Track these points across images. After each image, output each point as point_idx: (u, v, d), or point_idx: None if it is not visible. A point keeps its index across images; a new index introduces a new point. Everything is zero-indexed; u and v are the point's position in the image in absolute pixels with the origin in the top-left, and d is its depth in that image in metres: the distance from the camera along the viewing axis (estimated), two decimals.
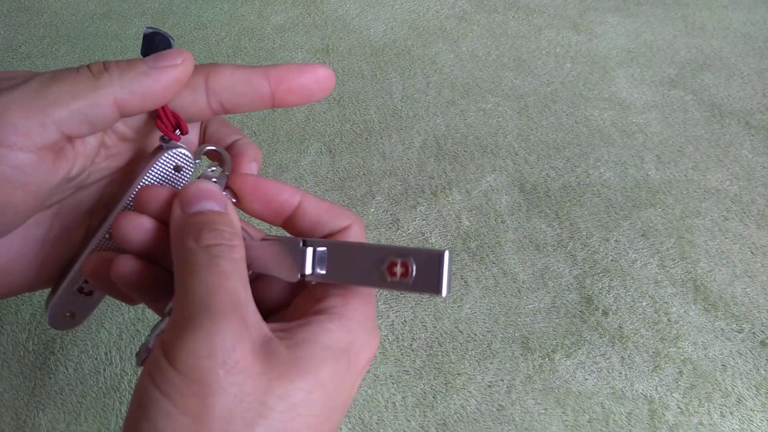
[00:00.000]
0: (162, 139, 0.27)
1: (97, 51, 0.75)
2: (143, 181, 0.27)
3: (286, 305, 0.27)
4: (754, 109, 0.68)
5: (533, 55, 0.75)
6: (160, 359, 0.20)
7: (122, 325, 0.47)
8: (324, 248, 0.24)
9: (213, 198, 0.25)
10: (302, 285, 0.27)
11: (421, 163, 0.61)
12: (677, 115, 0.67)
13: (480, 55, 0.75)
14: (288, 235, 0.28)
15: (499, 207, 0.56)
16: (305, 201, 0.27)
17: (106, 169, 0.28)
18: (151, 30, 0.26)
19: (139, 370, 0.44)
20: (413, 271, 0.22)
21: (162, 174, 0.27)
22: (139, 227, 0.25)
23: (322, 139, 0.63)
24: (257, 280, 0.28)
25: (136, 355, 0.24)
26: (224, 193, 0.26)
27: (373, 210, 0.56)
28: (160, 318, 0.25)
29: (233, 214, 0.25)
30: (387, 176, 0.59)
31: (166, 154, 0.27)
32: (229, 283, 0.22)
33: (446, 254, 0.21)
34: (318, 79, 0.27)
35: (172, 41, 0.26)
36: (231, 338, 0.20)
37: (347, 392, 0.23)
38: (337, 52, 0.76)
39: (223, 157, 0.29)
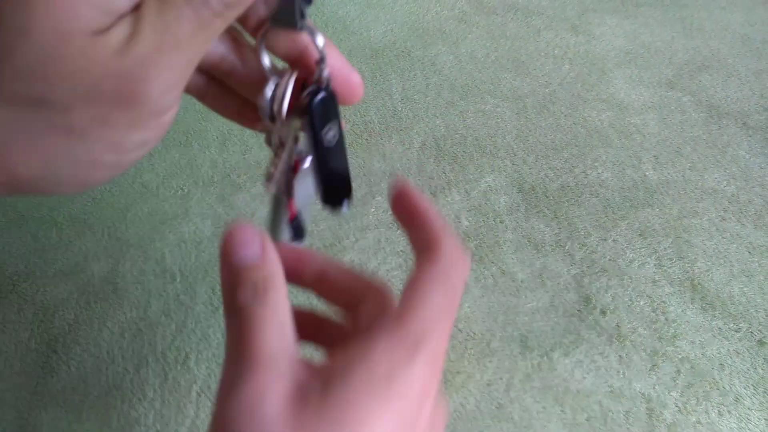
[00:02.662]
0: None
1: None
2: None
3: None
4: (751, 110, 0.68)
5: (532, 57, 0.75)
6: (214, 416, 0.20)
7: (124, 324, 0.47)
8: None
9: (249, 244, 0.23)
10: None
11: (420, 163, 0.61)
12: (675, 115, 0.67)
13: (479, 57, 0.75)
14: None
15: (498, 207, 0.57)
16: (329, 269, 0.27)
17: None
18: None
19: (140, 370, 0.44)
20: None
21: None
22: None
23: None
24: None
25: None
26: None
27: (373, 210, 0.56)
28: None
29: (270, 257, 0.23)
30: (387, 177, 0.60)
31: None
32: (257, 335, 0.20)
33: None
34: (351, 85, 0.26)
35: None
36: (258, 392, 0.19)
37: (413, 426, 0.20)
38: None
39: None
